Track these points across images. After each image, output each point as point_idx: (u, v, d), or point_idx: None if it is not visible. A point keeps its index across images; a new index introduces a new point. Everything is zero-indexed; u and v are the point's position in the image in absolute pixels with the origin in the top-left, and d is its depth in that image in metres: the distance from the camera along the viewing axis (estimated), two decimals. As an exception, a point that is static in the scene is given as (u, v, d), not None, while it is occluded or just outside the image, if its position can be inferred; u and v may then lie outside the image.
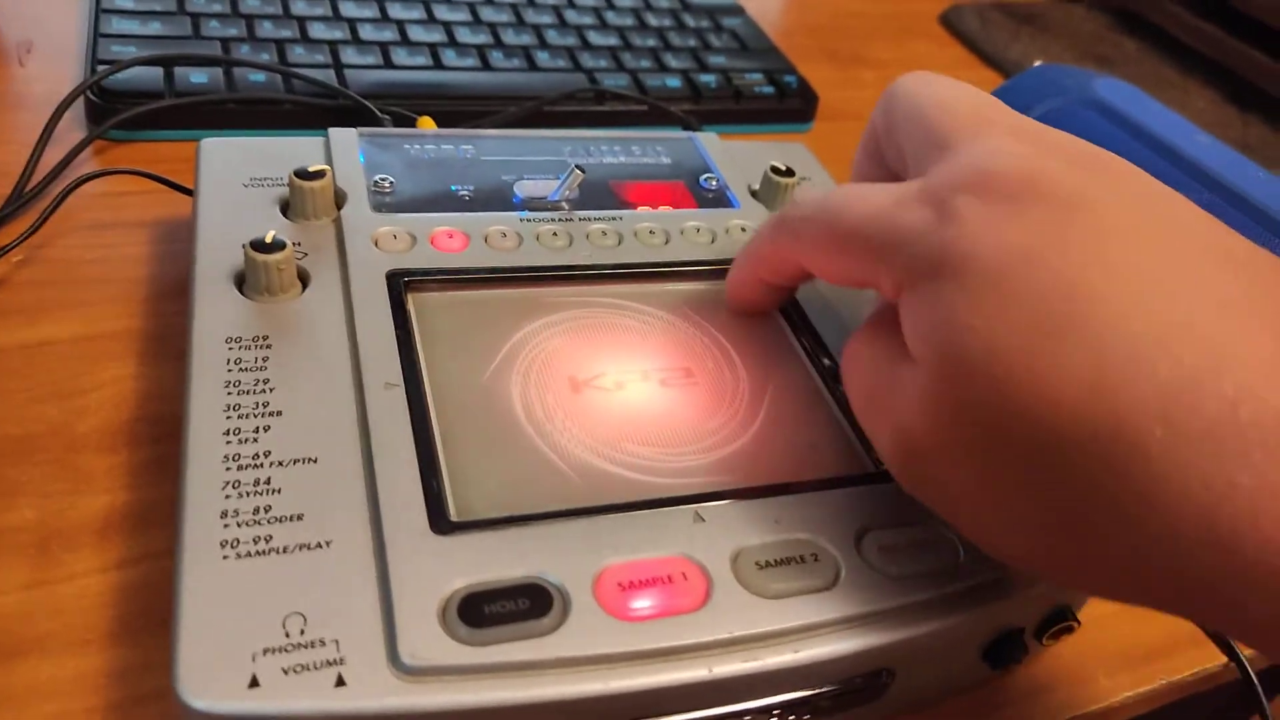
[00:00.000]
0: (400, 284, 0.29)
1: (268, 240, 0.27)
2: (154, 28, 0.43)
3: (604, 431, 0.26)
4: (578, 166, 0.33)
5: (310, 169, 0.30)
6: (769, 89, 0.50)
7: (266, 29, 0.44)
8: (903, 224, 0.21)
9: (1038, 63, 0.61)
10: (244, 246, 0.27)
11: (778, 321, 0.31)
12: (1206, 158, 0.34)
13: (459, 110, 0.43)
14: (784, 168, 0.36)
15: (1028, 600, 0.25)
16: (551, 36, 0.50)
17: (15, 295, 0.32)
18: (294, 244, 0.29)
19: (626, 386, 0.28)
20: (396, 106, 0.42)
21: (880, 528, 0.25)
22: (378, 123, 0.40)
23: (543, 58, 0.48)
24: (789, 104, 0.50)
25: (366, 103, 0.40)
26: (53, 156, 0.37)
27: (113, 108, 0.38)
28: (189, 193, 0.32)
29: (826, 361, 0.29)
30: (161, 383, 0.30)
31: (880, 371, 0.22)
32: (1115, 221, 0.19)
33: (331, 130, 0.34)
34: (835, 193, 0.24)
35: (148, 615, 0.24)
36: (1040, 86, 0.38)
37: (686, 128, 0.44)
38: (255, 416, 0.24)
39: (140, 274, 0.33)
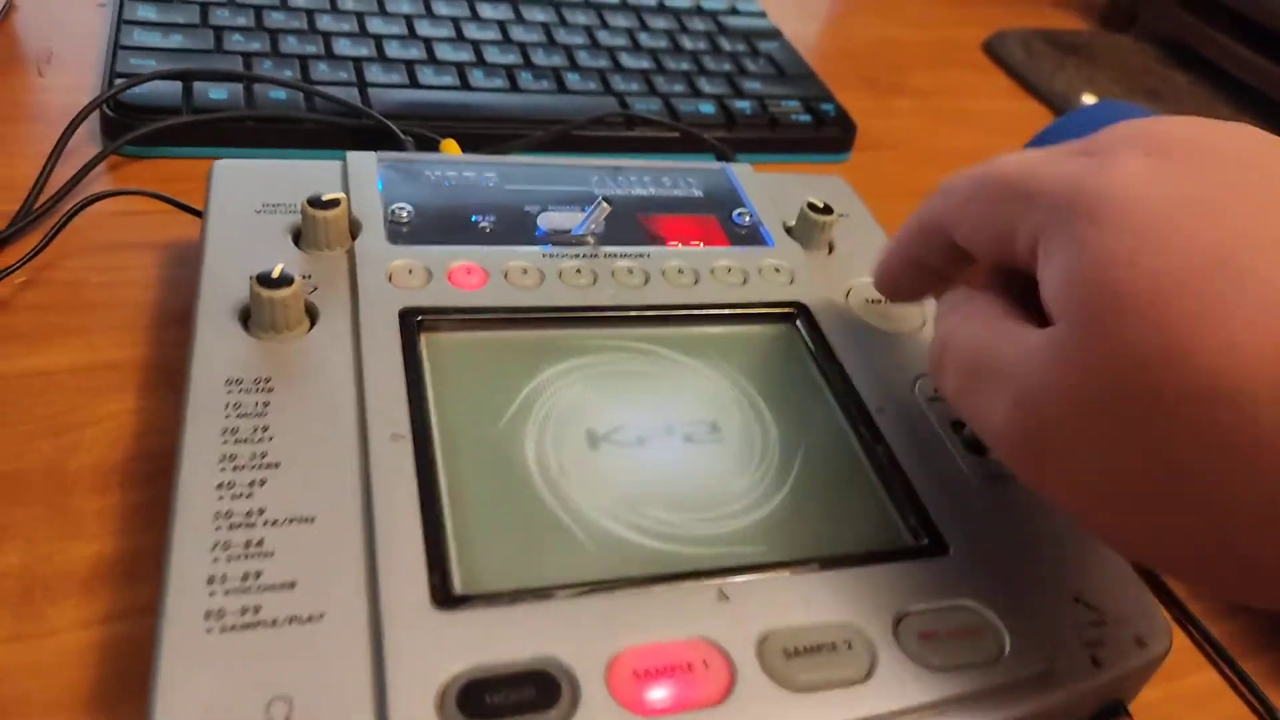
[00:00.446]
0: (413, 323, 0.27)
1: (274, 275, 0.26)
2: (175, 40, 0.42)
3: (622, 492, 0.24)
4: (604, 199, 0.32)
5: (324, 198, 0.29)
6: (806, 117, 0.48)
7: (290, 44, 0.43)
8: (1060, 170, 0.21)
9: (1088, 98, 0.58)
10: (250, 280, 0.26)
11: (811, 372, 0.29)
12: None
13: (485, 133, 0.42)
14: (821, 204, 0.34)
15: (1077, 695, 0.23)
16: (583, 58, 0.48)
17: (16, 319, 0.30)
18: (304, 276, 0.28)
19: (648, 442, 0.26)
20: (421, 128, 0.40)
21: (920, 611, 0.23)
22: (400, 145, 0.38)
23: (573, 80, 0.46)
24: (826, 133, 0.48)
25: (389, 123, 0.39)
26: (66, 172, 0.35)
27: (128, 123, 0.37)
28: (201, 215, 0.30)
29: (862, 421, 0.27)
30: (161, 416, 0.28)
31: (993, 339, 0.21)
32: None
33: (350, 154, 0.33)
34: (993, 159, 0.23)
35: (127, 680, 0.22)
36: (1092, 127, 0.36)
37: (720, 156, 0.42)
38: (251, 469, 0.23)
39: (147, 299, 0.32)
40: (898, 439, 0.27)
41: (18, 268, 0.31)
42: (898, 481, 0.26)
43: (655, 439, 0.26)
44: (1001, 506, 0.26)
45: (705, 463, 0.26)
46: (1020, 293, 0.23)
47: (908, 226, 0.27)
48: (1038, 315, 0.21)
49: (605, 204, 0.32)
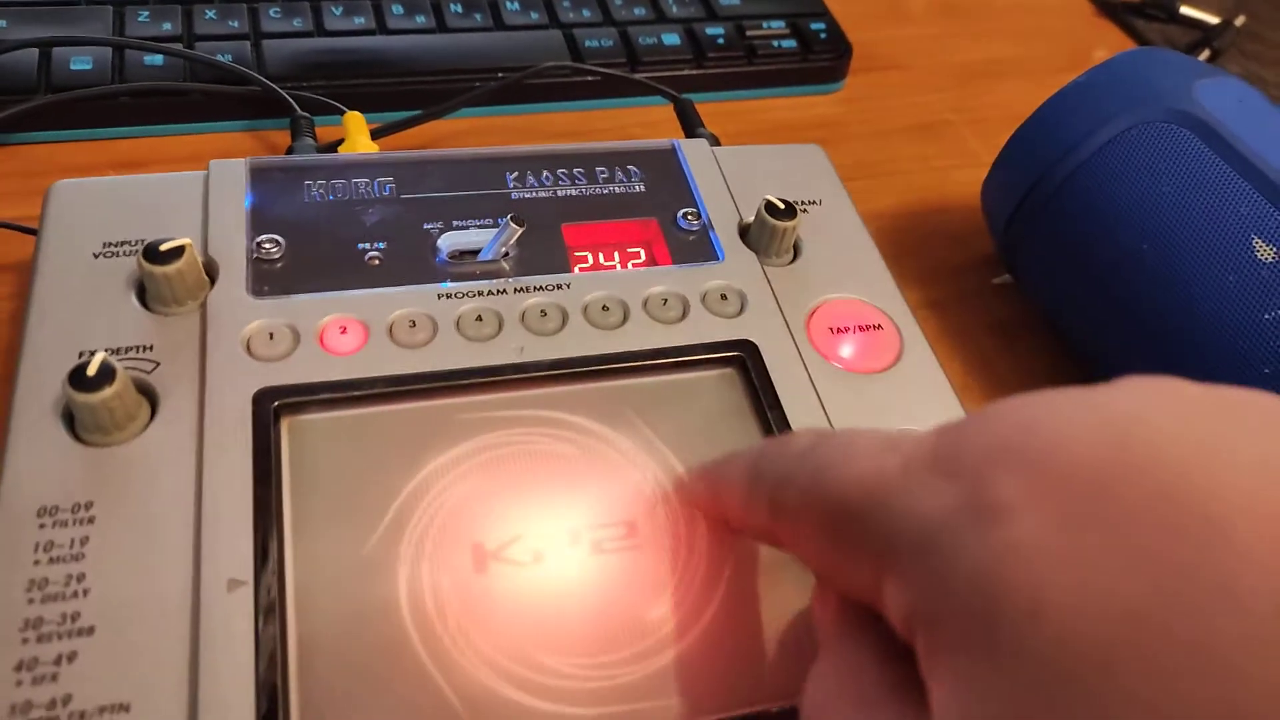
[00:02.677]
0: (270, 410, 0.23)
1: (91, 372, 0.21)
2: (33, -10, 0.35)
3: (509, 634, 0.21)
4: (514, 219, 0.26)
5: (163, 247, 0.24)
6: (791, 42, 0.41)
7: (173, -16, 0.37)
8: (917, 513, 0.15)
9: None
10: (63, 382, 0.21)
11: (755, 435, 0.25)
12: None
13: (401, 90, 0.36)
14: (782, 205, 0.28)
15: None
16: (525, -23, 0.41)
17: None
18: (144, 348, 0.24)
19: (546, 558, 0.22)
20: (325, 90, 0.34)
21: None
22: (296, 121, 0.32)
23: (511, 9, 0.39)
24: (815, 60, 0.41)
25: (282, 92, 0.33)
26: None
27: (-25, 109, 0.32)
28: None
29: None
30: None
31: None
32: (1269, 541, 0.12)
33: (213, 164, 0.27)
34: (824, 442, 0.18)
35: None
36: (1123, 89, 0.29)
37: (680, 112, 0.35)
38: (59, 638, 0.19)
39: (-2, 344, 0.28)
40: (850, 534, 0.23)
41: None
42: (844, 598, 0.22)
43: (556, 552, 0.22)
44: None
45: (616, 582, 0.22)
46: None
47: (720, 497, 0.21)
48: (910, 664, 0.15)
49: (515, 224, 0.26)
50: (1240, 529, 0.12)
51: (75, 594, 0.20)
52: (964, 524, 0.14)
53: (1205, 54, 0.46)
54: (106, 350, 0.23)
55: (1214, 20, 0.48)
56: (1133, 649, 0.12)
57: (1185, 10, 0.48)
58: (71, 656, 0.19)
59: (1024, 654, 0.13)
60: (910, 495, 0.15)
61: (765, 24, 0.41)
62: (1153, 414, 0.14)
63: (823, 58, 0.41)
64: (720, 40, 0.40)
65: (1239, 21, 0.47)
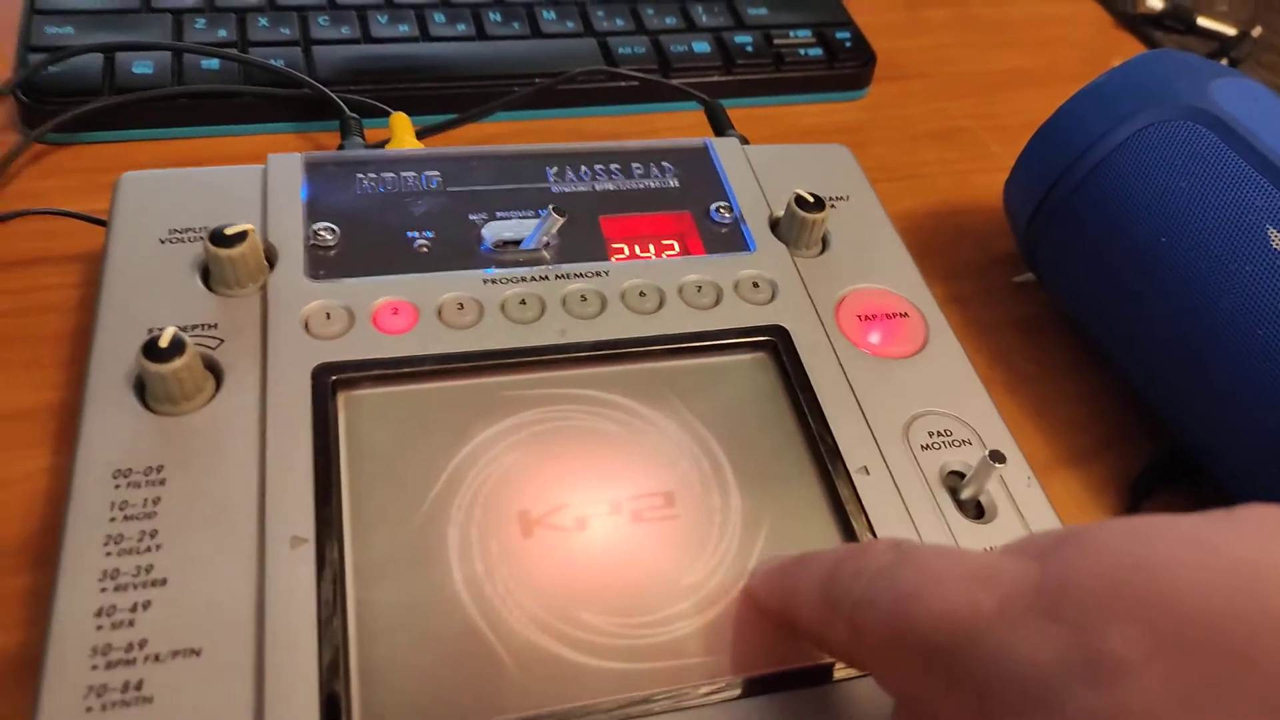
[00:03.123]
0: (328, 384, 0.24)
1: (164, 344, 0.23)
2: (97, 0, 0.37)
3: (554, 594, 0.22)
4: (555, 210, 0.28)
5: (228, 231, 0.25)
6: (817, 50, 0.42)
7: (227, -6, 0.39)
8: (1018, 659, 0.14)
9: (1154, 0, 0.50)
10: (138, 354, 0.23)
11: (786, 416, 0.26)
12: (1356, 206, 0.26)
13: (445, 94, 0.37)
14: (811, 198, 0.29)
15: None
16: (561, -12, 0.42)
17: (-74, 358, 0.28)
18: (209, 326, 0.25)
19: (589, 525, 0.23)
20: (371, 94, 0.36)
21: (882, 740, 0.20)
22: (346, 121, 0.34)
23: (548, 18, 0.41)
24: (841, 68, 0.42)
25: (332, 94, 0.35)
26: (-18, 169, 0.32)
27: (45, 109, 0.34)
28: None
29: (842, 483, 0.24)
30: (79, 473, 0.26)
31: None
32: None
33: (271, 158, 0.29)
34: (911, 557, 0.17)
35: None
36: (1140, 89, 0.30)
37: (711, 114, 0.37)
38: (135, 588, 0.20)
39: (65, 328, 0.29)
40: (880, 508, 0.24)
41: (-78, 300, 0.29)
42: (873, 566, 0.23)
43: (598, 520, 0.23)
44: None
45: (654, 549, 0.23)
46: None
47: (789, 606, 0.20)
48: None
49: (556, 214, 0.28)
50: None
51: (149, 549, 0.21)
52: (1075, 679, 0.13)
53: (1223, 63, 0.47)
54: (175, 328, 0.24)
55: (1231, 31, 0.49)
56: None
57: (1203, 21, 0.49)
58: (146, 605, 0.20)
59: None
60: (1013, 637, 0.14)
61: (792, 33, 0.42)
62: None
63: (848, 65, 0.42)
64: (749, 48, 0.41)
65: (1256, 32, 0.48)
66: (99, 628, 0.20)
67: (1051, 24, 0.51)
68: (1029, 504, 0.24)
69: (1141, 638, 0.13)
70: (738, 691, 0.20)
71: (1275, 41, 0.51)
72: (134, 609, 0.20)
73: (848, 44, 0.43)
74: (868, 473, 0.24)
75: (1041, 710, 0.13)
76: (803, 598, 0.19)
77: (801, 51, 0.42)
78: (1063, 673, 0.13)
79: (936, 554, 0.17)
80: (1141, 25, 0.50)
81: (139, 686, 0.19)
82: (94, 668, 0.19)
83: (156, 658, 0.19)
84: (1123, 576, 0.14)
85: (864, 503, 0.24)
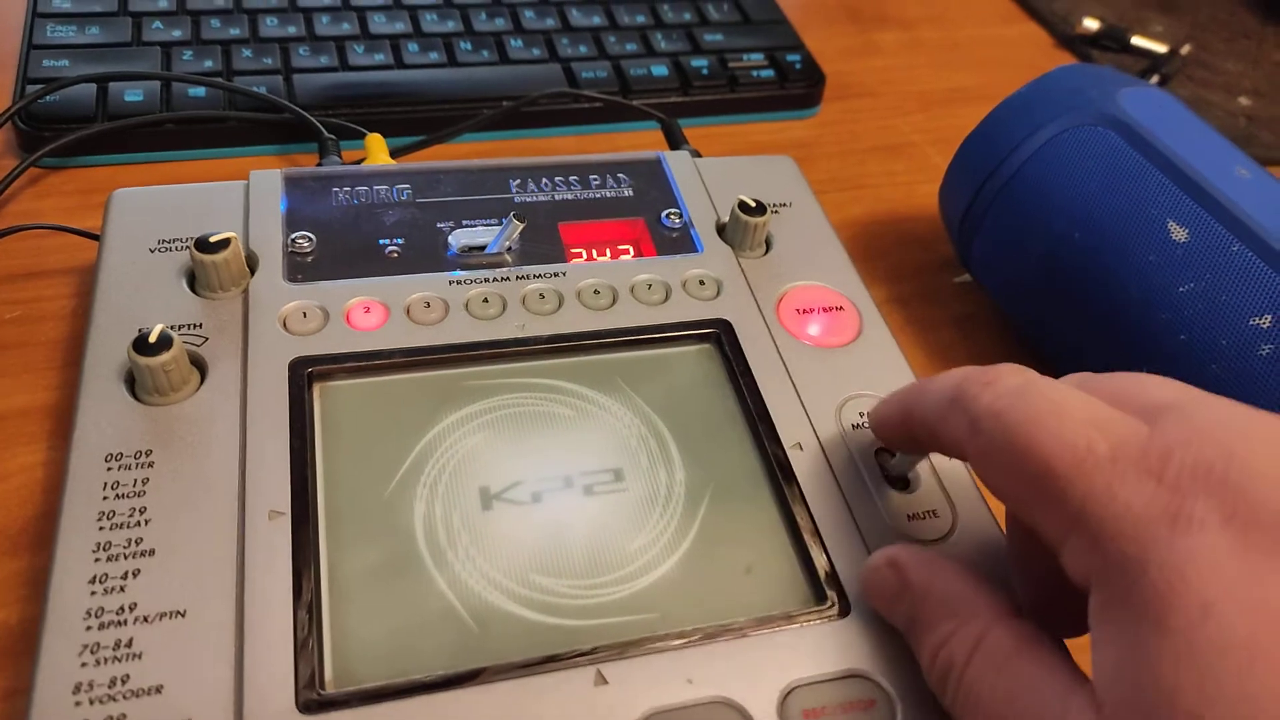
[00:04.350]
0: (303, 375, 0.26)
1: (152, 340, 0.25)
2: (92, 33, 0.40)
3: (510, 560, 0.24)
4: (516, 216, 0.30)
5: (212, 239, 0.28)
6: (769, 72, 0.45)
7: (213, 28, 0.41)
8: (1119, 500, 0.17)
9: (1090, 22, 0.53)
10: (128, 349, 0.25)
11: (727, 399, 0.28)
12: (1244, 199, 0.29)
13: (417, 117, 0.40)
14: (753, 203, 0.32)
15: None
16: (528, 19, 0.45)
17: (-70, 364, 0.30)
18: (194, 326, 0.27)
19: (544, 498, 0.25)
20: (348, 117, 0.39)
21: (809, 683, 0.22)
22: (324, 142, 0.36)
23: (515, 46, 0.43)
24: (791, 89, 0.45)
25: (311, 118, 0.37)
26: (-19, 192, 0.35)
27: (41, 135, 0.36)
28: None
29: (776, 459, 0.26)
30: (73, 467, 0.28)
31: (1036, 701, 0.18)
32: None
33: (253, 174, 0.31)
34: (1036, 387, 0.19)
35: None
36: (1056, 99, 0.33)
37: (667, 132, 0.39)
38: (126, 558, 0.22)
39: (60, 334, 0.32)
40: (812, 479, 0.26)
41: (-72, 311, 0.31)
42: (806, 532, 0.25)
43: (552, 494, 0.25)
44: (914, 554, 0.25)
45: (604, 518, 0.25)
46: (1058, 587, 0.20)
47: (916, 416, 0.23)
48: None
49: (517, 220, 0.30)
50: None
51: (138, 523, 0.23)
52: (1162, 525, 0.17)
53: (1155, 79, 0.50)
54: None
55: (1163, 49, 0.52)
56: (1274, 653, 0.15)
57: (1136, 40, 0.53)
58: (136, 573, 0.22)
59: (1189, 639, 0.16)
60: (1118, 482, 0.17)
61: (745, 56, 0.45)
62: None
63: (798, 86, 0.45)
64: (705, 71, 0.44)
65: (1185, 50, 0.51)
66: (93, 593, 0.22)
67: (996, 45, 0.54)
68: (951, 478, 0.27)
69: (1221, 509, 0.16)
70: (678, 642, 0.22)
71: (1207, 59, 0.54)
72: (125, 576, 0.22)
73: (798, 66, 0.46)
74: (801, 448, 0.27)
75: (1131, 543, 0.17)
76: (929, 399, 0.22)
77: (754, 73, 0.45)
78: (1154, 520, 0.17)
79: (1062, 391, 0.19)
80: (1080, 45, 0.53)
81: (129, 644, 0.21)
82: (88, 628, 0.21)
83: (146, 619, 0.21)
84: (1214, 459, 0.17)
85: (796, 474, 0.26)
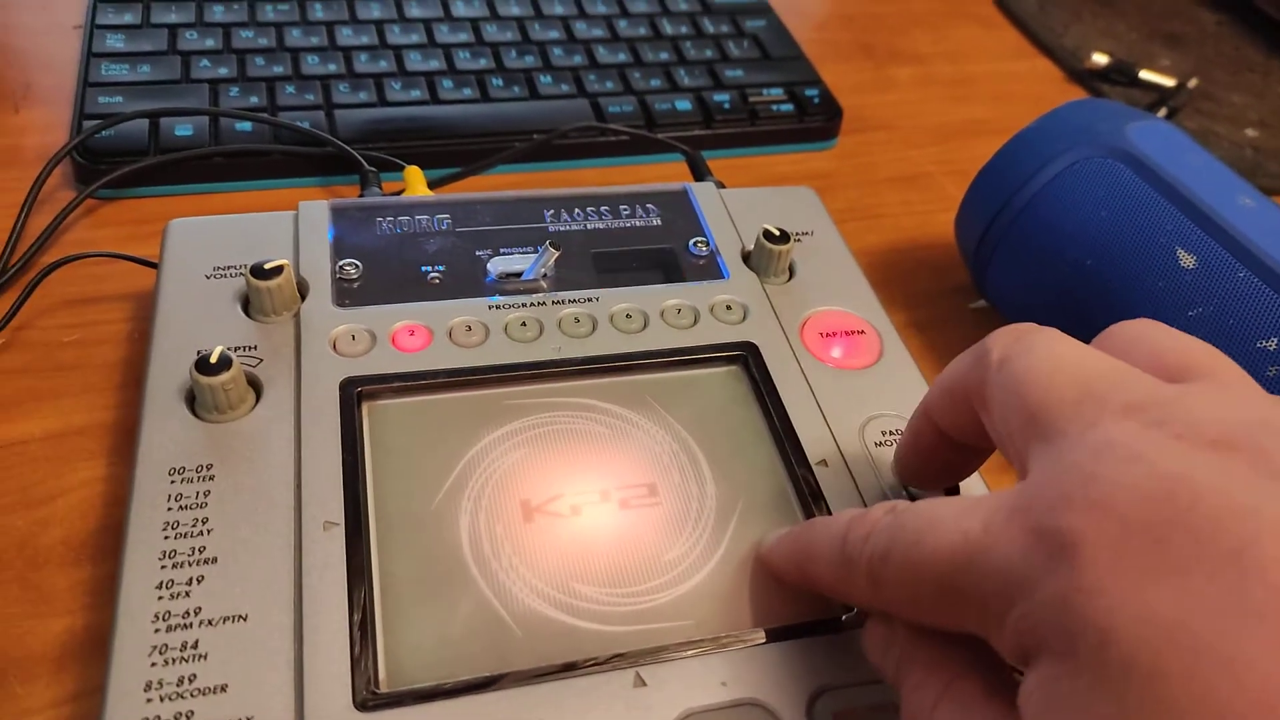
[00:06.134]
0: (353, 394, 0.28)
1: (213, 360, 0.26)
2: (144, 71, 0.42)
3: (552, 569, 0.25)
4: (552, 244, 0.32)
5: (267, 266, 0.29)
6: (788, 106, 0.47)
7: (258, 66, 0.43)
8: (998, 563, 0.18)
9: (1099, 57, 0.55)
10: (190, 367, 0.26)
11: (755, 418, 0.29)
12: (1250, 227, 0.30)
13: (452, 150, 0.41)
14: (778, 231, 0.33)
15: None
16: (556, 56, 0.47)
17: (-5, 385, 0.32)
18: (249, 348, 0.29)
19: (583, 511, 0.26)
20: (387, 150, 0.40)
21: (838, 687, 0.23)
22: (365, 174, 0.38)
23: (545, 82, 0.45)
24: (810, 122, 0.47)
25: (353, 151, 0.39)
26: (43, 220, 0.36)
27: (98, 168, 0.38)
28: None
29: (803, 474, 0.27)
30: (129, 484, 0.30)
31: None
32: None
33: (302, 204, 0.33)
34: (909, 513, 0.20)
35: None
36: (1067, 132, 0.34)
37: (691, 163, 0.41)
38: (190, 565, 0.24)
39: (117, 357, 0.33)
40: (837, 494, 0.27)
41: (-6, 333, 0.32)
42: (831, 543, 0.26)
43: (590, 507, 0.26)
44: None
45: (639, 530, 0.26)
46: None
47: (821, 566, 0.23)
48: None
49: (553, 249, 0.32)
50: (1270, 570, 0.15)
51: (201, 533, 0.24)
52: (1038, 564, 0.17)
53: (1163, 112, 0.52)
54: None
55: (1170, 83, 0.54)
56: (1179, 666, 0.15)
57: (1144, 74, 0.54)
58: (200, 579, 0.23)
59: (1098, 671, 0.16)
60: (995, 549, 0.18)
61: (766, 91, 0.47)
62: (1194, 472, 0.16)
63: (816, 119, 0.47)
64: (726, 105, 0.46)
65: (1192, 84, 0.53)
66: (160, 598, 0.23)
67: (1008, 80, 0.56)
68: (970, 493, 0.28)
69: (1087, 526, 0.16)
70: (712, 647, 0.23)
71: (1213, 91, 0.55)
72: (190, 583, 0.23)
73: (816, 100, 0.47)
74: (826, 465, 0.28)
75: (1023, 599, 0.17)
76: (822, 561, 0.23)
77: (774, 108, 0.46)
78: (1031, 565, 0.17)
79: (927, 505, 0.20)
80: (1089, 79, 0.55)
81: (195, 645, 0.22)
82: (156, 630, 0.22)
83: (210, 622, 0.23)
84: (1075, 487, 0.17)
85: (822, 490, 0.27)
